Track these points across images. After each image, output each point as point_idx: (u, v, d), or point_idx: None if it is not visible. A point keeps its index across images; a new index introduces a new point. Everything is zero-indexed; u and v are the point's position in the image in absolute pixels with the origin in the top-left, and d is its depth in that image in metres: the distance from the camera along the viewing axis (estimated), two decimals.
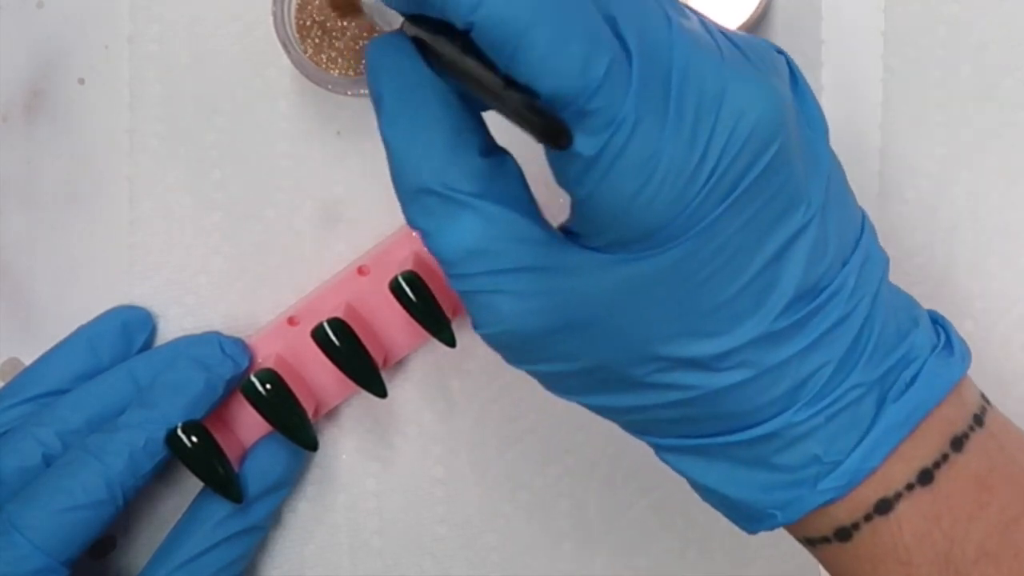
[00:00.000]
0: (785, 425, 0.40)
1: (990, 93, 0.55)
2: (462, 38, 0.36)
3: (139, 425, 0.53)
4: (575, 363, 0.40)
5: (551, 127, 0.34)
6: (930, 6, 0.55)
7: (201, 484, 0.55)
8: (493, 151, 0.40)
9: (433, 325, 0.53)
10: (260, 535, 0.56)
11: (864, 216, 0.42)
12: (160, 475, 0.60)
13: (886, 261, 0.42)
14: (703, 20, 0.39)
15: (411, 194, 0.39)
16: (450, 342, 0.54)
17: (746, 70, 0.37)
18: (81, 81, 0.61)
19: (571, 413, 0.57)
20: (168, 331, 0.60)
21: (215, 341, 0.56)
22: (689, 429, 0.41)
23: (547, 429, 0.57)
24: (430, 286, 0.54)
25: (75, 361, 0.57)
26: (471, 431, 0.58)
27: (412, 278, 0.53)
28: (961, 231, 0.55)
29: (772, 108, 0.37)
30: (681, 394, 0.40)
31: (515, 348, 0.40)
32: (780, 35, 0.56)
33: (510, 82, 0.35)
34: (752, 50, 0.39)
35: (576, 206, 0.38)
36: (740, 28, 0.51)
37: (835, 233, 0.40)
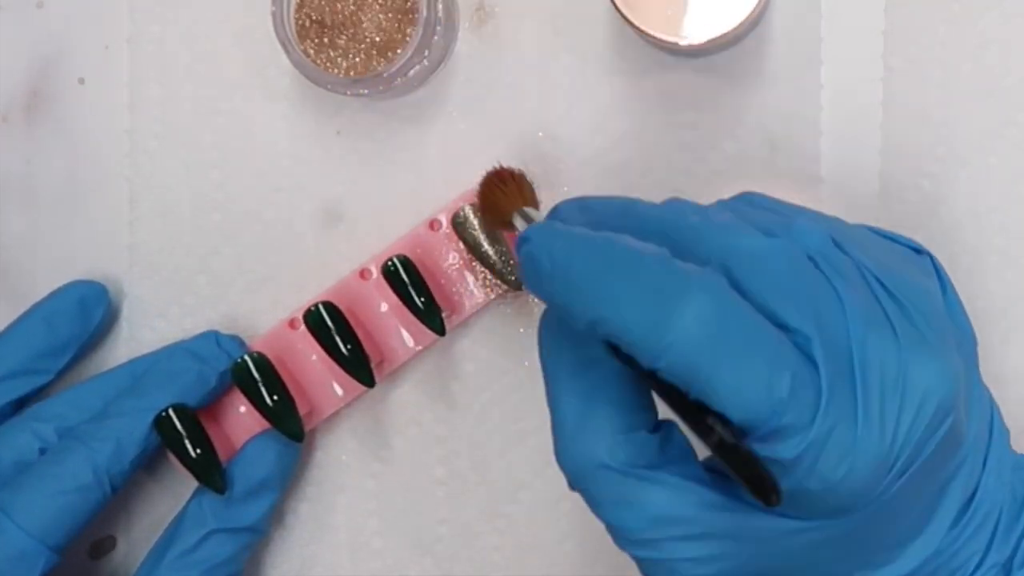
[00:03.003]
0: None
1: (990, 93, 0.55)
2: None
3: (128, 412, 0.53)
4: None
5: (760, 482, 0.36)
6: (930, 6, 0.55)
7: (196, 485, 0.55)
8: (661, 425, 0.41)
9: (423, 310, 0.53)
10: (252, 538, 0.56)
11: (989, 395, 0.44)
12: (160, 477, 0.60)
13: (1007, 435, 0.44)
14: (862, 266, 0.40)
15: (585, 470, 0.40)
16: (439, 330, 0.54)
17: (920, 345, 0.38)
18: (81, 81, 0.61)
19: None
20: (168, 331, 0.60)
21: (212, 337, 0.56)
22: None
23: (548, 430, 0.57)
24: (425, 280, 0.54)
25: (33, 339, 0.57)
26: (472, 432, 0.58)
27: (405, 262, 0.53)
28: (961, 231, 0.55)
29: (950, 383, 0.38)
30: None
31: None
32: (779, 33, 0.56)
33: (704, 408, 0.37)
34: (913, 296, 0.39)
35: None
36: (739, 26, 0.51)
37: (977, 436, 0.42)
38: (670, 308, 0.36)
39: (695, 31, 0.52)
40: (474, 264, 0.56)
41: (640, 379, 0.40)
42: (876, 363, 0.37)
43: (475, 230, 0.54)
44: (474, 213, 0.54)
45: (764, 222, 0.40)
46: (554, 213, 0.43)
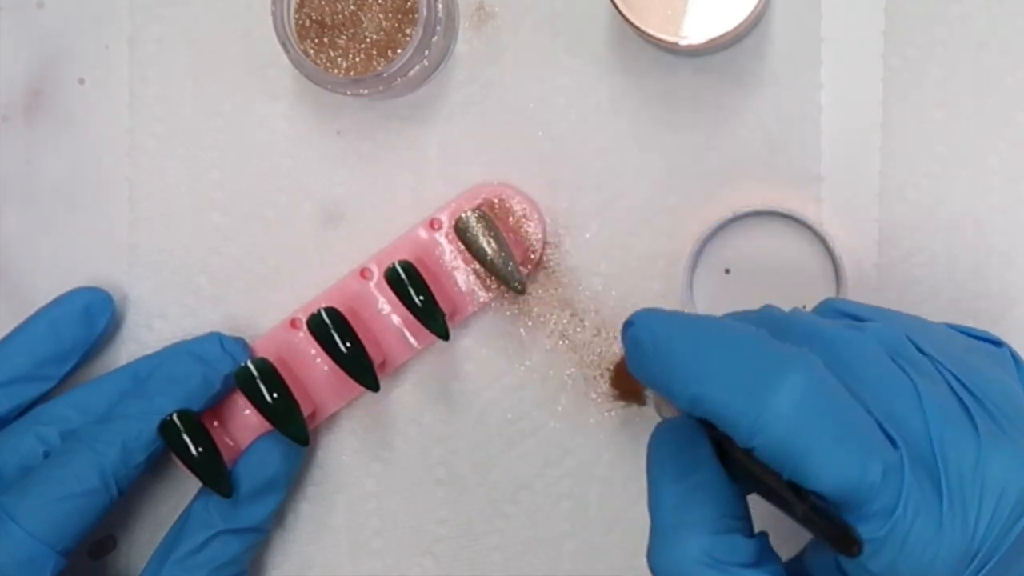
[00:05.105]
0: None
1: (990, 93, 0.55)
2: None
3: (133, 416, 0.53)
4: None
5: (843, 536, 0.37)
6: (930, 6, 0.55)
7: (200, 485, 0.55)
8: (756, 534, 0.42)
9: (426, 315, 0.53)
10: (256, 538, 0.56)
11: None
12: (160, 476, 0.60)
13: None
14: (942, 367, 0.40)
15: (680, 568, 0.40)
16: (443, 335, 0.53)
17: (998, 438, 0.39)
18: (81, 81, 0.61)
19: (572, 415, 0.57)
20: (168, 331, 0.60)
21: (216, 339, 0.56)
22: None
23: (548, 431, 0.57)
24: (427, 280, 0.54)
25: (37, 345, 0.57)
26: (472, 432, 0.58)
27: (408, 267, 0.53)
28: (961, 231, 0.55)
29: None
30: None
31: None
32: (779, 33, 0.56)
33: (794, 486, 0.37)
34: (991, 392, 0.40)
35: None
36: (739, 26, 0.51)
37: None
38: (766, 387, 0.37)
39: (695, 31, 0.52)
40: (475, 264, 0.56)
41: (738, 480, 0.41)
42: (954, 455, 0.38)
43: (477, 235, 0.54)
44: (476, 218, 0.54)
45: (842, 323, 0.42)
46: None
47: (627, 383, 0.56)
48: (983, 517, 0.38)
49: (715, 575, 0.40)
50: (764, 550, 0.41)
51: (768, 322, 0.41)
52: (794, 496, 0.38)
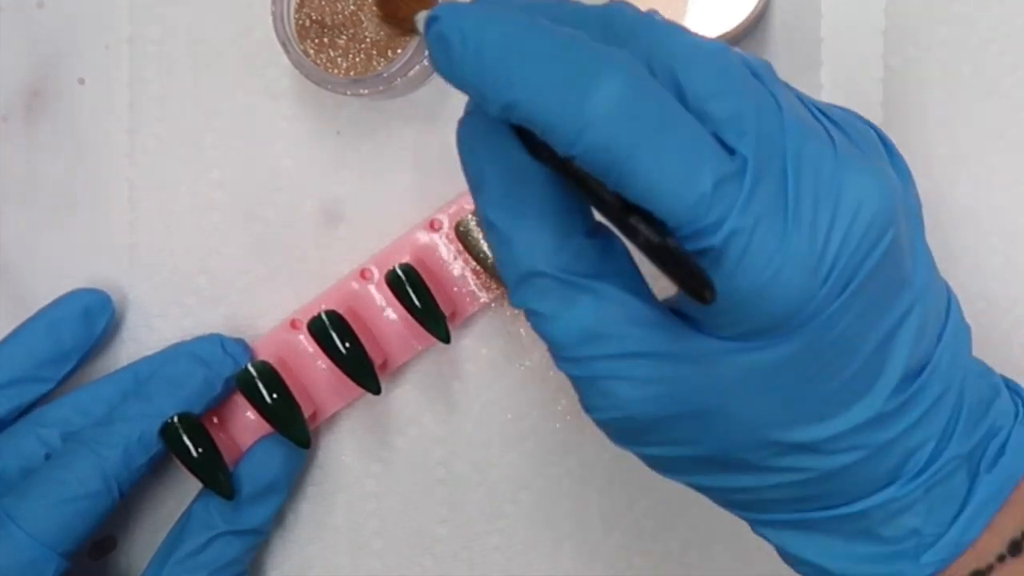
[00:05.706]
0: (888, 500, 0.40)
1: (991, 93, 0.55)
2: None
3: (134, 418, 0.53)
4: (688, 448, 0.39)
5: (690, 277, 0.34)
6: (931, 5, 0.55)
7: (200, 485, 0.55)
8: (598, 231, 0.39)
9: (428, 318, 0.53)
10: (256, 539, 0.56)
11: (948, 286, 0.42)
12: (160, 476, 0.60)
13: (969, 331, 0.42)
14: (802, 99, 0.39)
15: (521, 277, 0.38)
16: (444, 338, 0.53)
17: (857, 158, 0.37)
18: (81, 81, 0.61)
19: (572, 416, 0.57)
20: (168, 331, 0.60)
21: (216, 340, 0.56)
22: (793, 507, 0.41)
23: (548, 430, 0.57)
24: (427, 282, 0.54)
25: (36, 347, 0.56)
26: (472, 432, 0.58)
27: (409, 270, 0.53)
28: (962, 231, 0.55)
29: (887, 198, 0.37)
30: (792, 476, 0.39)
31: (629, 432, 0.40)
32: (779, 33, 0.56)
33: (629, 206, 0.35)
34: (852, 130, 0.39)
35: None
36: (739, 26, 0.51)
37: (932, 308, 0.40)
38: (585, 86, 0.34)
39: (695, 31, 0.51)
40: (475, 264, 0.56)
41: (566, 180, 0.38)
42: (810, 166, 0.36)
43: (479, 238, 0.54)
44: (477, 221, 0.54)
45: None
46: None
47: (393, 8, 0.47)
48: (836, 230, 0.36)
49: (554, 286, 0.38)
50: (611, 252, 0.39)
51: (615, 24, 0.38)
52: (628, 224, 0.35)
